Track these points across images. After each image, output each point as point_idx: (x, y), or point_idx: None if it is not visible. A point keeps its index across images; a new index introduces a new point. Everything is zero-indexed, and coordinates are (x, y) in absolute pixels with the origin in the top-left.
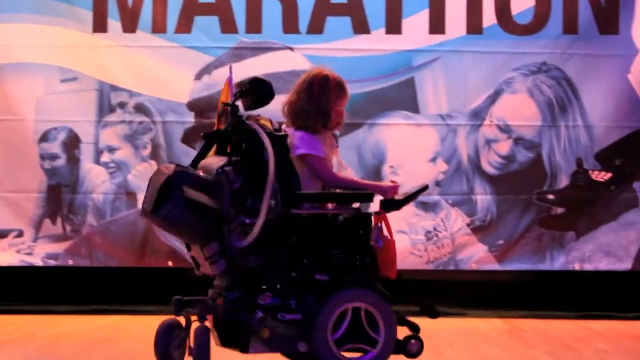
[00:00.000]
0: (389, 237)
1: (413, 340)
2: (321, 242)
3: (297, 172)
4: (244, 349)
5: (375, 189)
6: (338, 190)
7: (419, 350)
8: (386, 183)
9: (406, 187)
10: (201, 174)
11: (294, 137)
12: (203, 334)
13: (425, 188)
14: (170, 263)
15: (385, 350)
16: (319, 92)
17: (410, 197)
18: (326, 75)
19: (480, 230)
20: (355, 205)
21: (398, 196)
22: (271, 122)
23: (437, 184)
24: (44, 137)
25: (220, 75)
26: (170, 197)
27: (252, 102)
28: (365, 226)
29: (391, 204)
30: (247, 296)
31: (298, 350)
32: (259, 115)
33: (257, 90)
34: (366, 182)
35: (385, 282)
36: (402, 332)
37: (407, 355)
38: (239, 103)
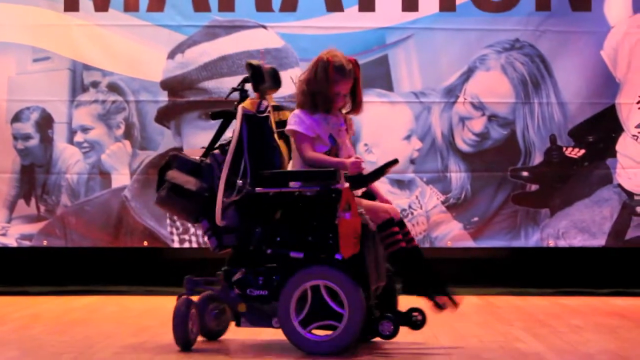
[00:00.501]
0: (343, 215)
1: (416, 312)
2: (295, 220)
3: (280, 152)
4: (237, 323)
5: (337, 165)
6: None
7: (422, 321)
8: (349, 159)
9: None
10: (193, 157)
11: (292, 114)
12: (182, 304)
13: (393, 162)
14: (145, 243)
15: (352, 323)
16: (317, 74)
17: (377, 172)
18: (326, 59)
19: (455, 207)
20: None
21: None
22: (259, 104)
23: (412, 161)
24: (17, 117)
25: (193, 54)
26: (160, 181)
27: (253, 85)
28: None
29: (357, 179)
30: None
31: (272, 326)
32: (250, 97)
33: (251, 74)
34: (330, 159)
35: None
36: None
37: (413, 327)
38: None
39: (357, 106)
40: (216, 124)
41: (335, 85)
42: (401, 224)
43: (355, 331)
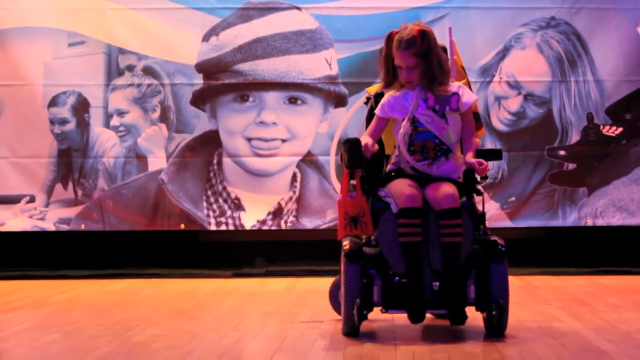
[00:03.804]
0: (340, 195)
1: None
2: None
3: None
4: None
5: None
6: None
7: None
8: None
9: None
10: None
11: None
12: None
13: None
14: (182, 226)
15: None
16: (382, 50)
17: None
18: (389, 33)
19: (491, 187)
20: None
21: None
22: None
23: None
24: (53, 102)
25: (227, 37)
26: None
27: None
28: None
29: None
30: None
31: None
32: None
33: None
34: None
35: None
36: None
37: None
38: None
39: (432, 79)
40: (248, 106)
41: (395, 59)
42: (444, 214)
43: (346, 312)
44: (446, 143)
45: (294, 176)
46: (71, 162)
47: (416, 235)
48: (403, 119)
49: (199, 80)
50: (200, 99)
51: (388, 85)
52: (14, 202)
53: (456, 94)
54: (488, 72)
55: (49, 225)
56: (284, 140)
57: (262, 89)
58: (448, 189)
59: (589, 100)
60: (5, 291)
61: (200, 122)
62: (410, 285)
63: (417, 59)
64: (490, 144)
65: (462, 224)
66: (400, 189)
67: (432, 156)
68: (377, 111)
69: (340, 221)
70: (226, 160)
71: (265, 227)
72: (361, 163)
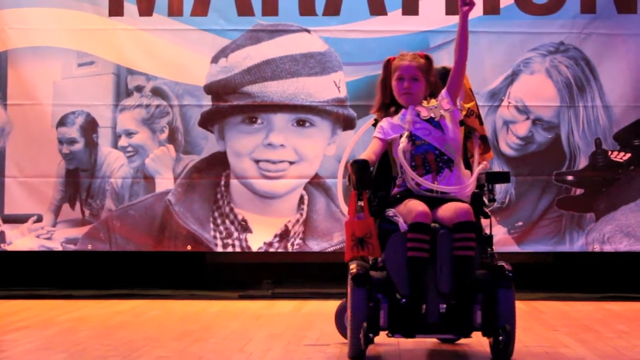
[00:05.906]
0: (347, 217)
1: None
2: None
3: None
4: None
5: None
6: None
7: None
8: None
9: None
10: None
11: None
12: None
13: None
14: (189, 247)
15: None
16: (381, 73)
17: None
18: (388, 57)
19: (499, 212)
20: None
21: None
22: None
23: None
24: (62, 122)
25: (237, 58)
26: None
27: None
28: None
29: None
30: None
31: None
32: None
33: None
34: None
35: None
36: None
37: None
38: None
39: (431, 94)
40: (256, 127)
41: (397, 72)
42: (459, 226)
43: (353, 336)
44: (446, 153)
45: (301, 198)
46: (79, 182)
47: (423, 251)
48: (401, 136)
49: (207, 102)
50: (209, 121)
51: (384, 108)
52: (21, 222)
53: (444, 98)
54: (496, 96)
55: (56, 245)
56: (291, 163)
57: (270, 111)
58: (462, 204)
59: (597, 125)
60: (11, 311)
61: (208, 144)
62: (412, 301)
63: (420, 73)
64: (498, 168)
65: (475, 239)
66: (411, 207)
67: (434, 169)
68: (377, 134)
69: (348, 242)
70: (234, 182)
71: (272, 249)
72: (369, 184)
